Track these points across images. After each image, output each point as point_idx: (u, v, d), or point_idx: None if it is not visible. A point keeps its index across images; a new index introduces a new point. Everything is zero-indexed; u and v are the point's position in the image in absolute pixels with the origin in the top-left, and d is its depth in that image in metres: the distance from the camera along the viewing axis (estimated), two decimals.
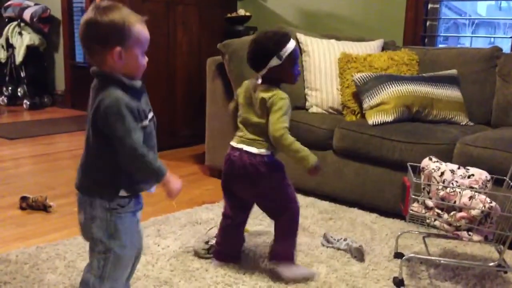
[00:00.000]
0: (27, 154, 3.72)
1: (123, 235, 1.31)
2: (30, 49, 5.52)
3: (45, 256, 1.90)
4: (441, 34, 3.57)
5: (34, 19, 5.50)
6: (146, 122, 1.28)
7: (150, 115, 1.33)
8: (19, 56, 5.52)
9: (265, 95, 1.72)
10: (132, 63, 1.27)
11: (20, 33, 5.52)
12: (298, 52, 1.77)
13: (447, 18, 4.08)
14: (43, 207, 2.45)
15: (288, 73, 1.75)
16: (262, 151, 1.75)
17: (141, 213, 1.40)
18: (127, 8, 1.28)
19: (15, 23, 5.54)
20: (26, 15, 5.50)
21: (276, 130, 1.68)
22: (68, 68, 5.75)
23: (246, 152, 1.75)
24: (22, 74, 5.59)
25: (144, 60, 1.31)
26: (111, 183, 1.30)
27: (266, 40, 1.73)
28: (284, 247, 1.84)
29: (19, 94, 5.63)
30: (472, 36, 4.44)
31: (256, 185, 1.78)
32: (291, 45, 1.73)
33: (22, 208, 2.47)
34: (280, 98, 1.71)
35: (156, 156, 1.31)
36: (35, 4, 5.62)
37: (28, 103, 5.55)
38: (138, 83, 1.30)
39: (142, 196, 1.38)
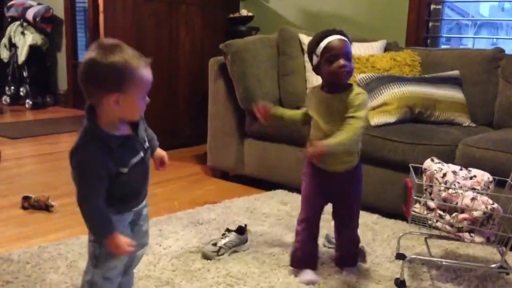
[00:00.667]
0: (30, 154, 3.73)
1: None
2: (32, 48, 5.54)
3: (47, 255, 1.91)
4: (444, 35, 3.56)
5: (37, 19, 5.52)
6: (123, 170, 1.27)
7: (135, 159, 1.30)
8: (21, 56, 5.53)
9: None
10: (130, 109, 1.25)
11: (22, 33, 5.54)
12: (337, 47, 1.63)
13: (449, 19, 4.07)
14: (45, 207, 2.46)
15: (325, 71, 1.67)
16: None
17: (140, 212, 1.43)
18: (131, 49, 1.24)
19: (18, 22, 5.55)
20: (29, 14, 5.52)
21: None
22: (70, 68, 5.76)
23: None
24: (25, 74, 5.60)
25: (144, 103, 1.28)
26: None
27: (310, 40, 1.72)
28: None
29: (21, 93, 5.64)
30: (474, 37, 4.43)
31: None
32: (327, 40, 1.65)
33: (24, 208, 2.48)
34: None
35: (122, 207, 1.33)
36: (38, 4, 5.63)
37: (31, 102, 5.56)
38: (120, 138, 1.27)
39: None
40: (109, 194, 1.28)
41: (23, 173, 3.22)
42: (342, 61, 1.61)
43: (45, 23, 5.61)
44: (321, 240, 2.12)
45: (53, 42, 5.79)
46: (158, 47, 3.69)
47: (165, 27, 3.70)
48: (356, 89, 1.69)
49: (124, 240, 1.28)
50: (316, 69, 1.71)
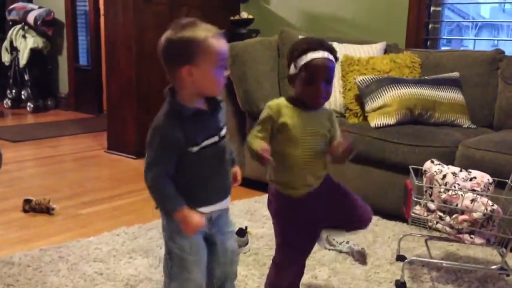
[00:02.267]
0: (31, 157, 3.74)
1: (178, 238, 1.31)
2: (34, 52, 5.55)
3: (48, 258, 1.91)
4: (444, 37, 3.57)
5: (38, 22, 5.53)
6: (193, 148, 1.25)
7: (208, 141, 1.28)
8: (23, 59, 5.55)
9: None
10: (204, 80, 1.25)
11: (24, 36, 5.55)
12: (321, 68, 1.38)
13: (449, 21, 4.08)
14: (46, 210, 2.46)
15: (300, 89, 1.41)
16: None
17: (218, 223, 1.38)
18: (204, 24, 1.26)
19: (19, 26, 5.57)
20: (30, 18, 5.53)
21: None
22: (71, 71, 5.77)
23: None
24: (26, 77, 5.62)
25: (221, 75, 1.27)
26: None
27: (293, 45, 1.45)
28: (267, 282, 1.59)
29: (23, 97, 5.66)
30: (475, 39, 4.43)
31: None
32: (311, 55, 1.38)
33: (25, 211, 2.49)
34: (266, 106, 1.45)
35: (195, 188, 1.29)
36: (39, 7, 5.65)
37: (32, 105, 5.58)
38: (192, 109, 1.26)
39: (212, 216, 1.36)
40: (180, 180, 1.26)
41: (24, 176, 3.23)
42: (321, 87, 1.38)
43: (46, 26, 5.63)
44: (322, 243, 2.12)
45: (54, 45, 5.80)
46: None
47: (166, 29, 3.71)
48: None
49: (196, 216, 1.25)
50: (291, 81, 1.45)
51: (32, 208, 2.48)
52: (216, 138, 1.31)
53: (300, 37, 3.02)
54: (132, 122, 3.68)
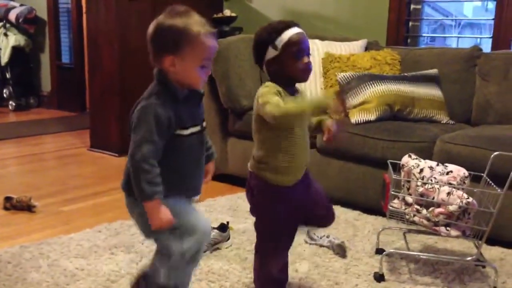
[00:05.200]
0: (13, 155, 3.71)
1: (174, 216, 1.27)
2: (15, 50, 5.51)
3: (29, 255, 1.91)
4: (423, 35, 3.63)
5: (20, 20, 5.49)
6: (183, 131, 1.26)
7: (193, 129, 1.29)
8: (4, 57, 5.50)
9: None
10: (185, 74, 1.25)
11: (5, 34, 5.50)
12: (303, 42, 1.43)
13: (429, 19, 4.14)
14: (28, 207, 2.45)
15: (290, 67, 1.41)
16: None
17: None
18: (198, 17, 1.25)
19: (0, 24, 5.51)
20: (12, 16, 5.48)
21: (271, 111, 1.33)
22: (54, 69, 5.73)
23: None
24: (8, 75, 5.57)
25: (202, 73, 1.26)
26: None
27: (261, 30, 1.46)
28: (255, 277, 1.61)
29: (4, 95, 5.61)
30: (457, 36, 4.50)
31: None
32: (290, 32, 1.41)
33: (6, 209, 2.47)
34: (264, 86, 1.42)
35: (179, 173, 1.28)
36: (21, 5, 5.60)
37: (14, 104, 5.53)
38: (185, 92, 1.27)
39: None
40: (165, 166, 1.24)
41: (5, 174, 3.21)
42: (306, 58, 1.42)
43: (28, 24, 5.58)
44: (302, 237, 2.15)
45: (36, 43, 5.75)
46: (143, 47, 3.68)
47: (149, 25, 3.70)
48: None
49: (167, 212, 1.23)
50: (269, 64, 1.43)
51: (13, 205, 2.46)
52: (199, 128, 1.32)
53: None
54: (115, 120, 3.67)
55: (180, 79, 1.26)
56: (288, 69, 1.42)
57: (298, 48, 1.41)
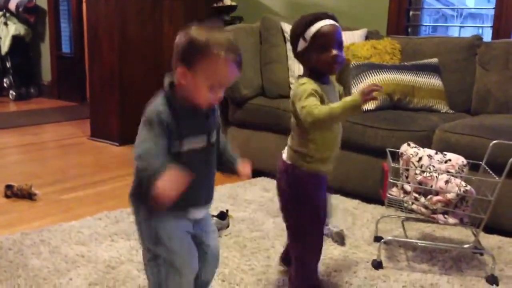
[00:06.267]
0: (13, 144, 3.72)
1: (166, 241, 1.24)
2: (16, 39, 5.50)
3: (30, 242, 1.92)
4: (424, 24, 3.61)
5: (20, 9, 5.47)
6: (182, 148, 1.20)
7: (198, 143, 1.23)
8: (4, 47, 5.49)
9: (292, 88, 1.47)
10: (193, 90, 1.19)
11: (5, 23, 5.49)
12: (333, 34, 1.42)
13: (430, 8, 4.12)
14: (28, 195, 2.46)
15: (315, 59, 1.41)
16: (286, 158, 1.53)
17: (202, 227, 1.35)
18: (228, 40, 1.17)
19: (0, 13, 5.50)
20: (12, 5, 5.47)
21: (306, 117, 1.35)
22: (54, 59, 5.72)
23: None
24: (8, 65, 5.56)
25: (213, 95, 1.19)
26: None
27: (295, 23, 1.48)
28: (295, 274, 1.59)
29: (5, 84, 5.60)
30: (460, 26, 4.48)
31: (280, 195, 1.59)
32: (320, 24, 1.41)
33: (7, 196, 2.48)
34: (299, 84, 1.42)
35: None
36: None
37: (14, 93, 5.53)
38: (186, 107, 1.21)
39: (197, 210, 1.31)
40: None
41: (6, 163, 3.22)
42: (334, 51, 1.41)
43: (28, 13, 5.57)
44: None
45: (36, 33, 5.74)
46: (142, 38, 3.69)
47: (149, 21, 3.70)
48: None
49: (174, 182, 1.11)
50: (301, 56, 1.47)
51: (14, 193, 2.47)
52: (205, 141, 1.26)
53: (282, 23, 3.05)
54: (115, 109, 3.67)
55: (187, 95, 1.20)
56: (314, 61, 1.43)
57: (325, 40, 1.41)
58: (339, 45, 1.43)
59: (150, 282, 1.31)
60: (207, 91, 1.18)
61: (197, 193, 1.26)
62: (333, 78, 1.57)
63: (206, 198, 1.33)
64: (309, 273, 1.56)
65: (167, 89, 1.22)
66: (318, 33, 1.41)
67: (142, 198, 1.24)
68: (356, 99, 1.30)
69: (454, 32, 5.20)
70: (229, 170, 1.39)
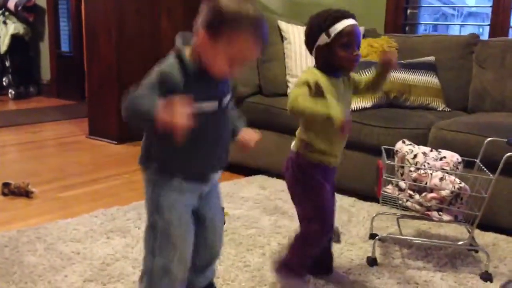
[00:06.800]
0: (12, 142, 3.73)
1: (166, 211, 1.23)
2: (15, 38, 5.51)
3: (26, 239, 1.93)
4: (422, 22, 3.61)
5: (19, 8, 5.48)
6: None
7: (209, 104, 1.18)
8: (3, 46, 5.50)
9: None
10: (210, 58, 1.14)
11: (4, 22, 5.50)
12: (356, 34, 1.47)
13: (427, 6, 4.12)
14: (25, 193, 2.47)
15: (338, 56, 1.46)
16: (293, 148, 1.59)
17: (206, 197, 1.32)
18: (262, 19, 1.13)
19: None
20: (11, 4, 5.48)
21: (289, 102, 1.39)
22: (53, 57, 5.73)
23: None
24: (7, 64, 5.57)
25: (228, 67, 1.14)
26: (157, 155, 1.24)
27: (318, 16, 1.50)
28: (289, 256, 1.63)
29: (4, 83, 5.62)
30: (461, 25, 4.49)
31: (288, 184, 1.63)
32: (345, 22, 1.46)
33: (4, 194, 2.49)
34: (304, 72, 1.48)
35: None
36: None
37: (14, 92, 5.54)
38: (197, 70, 1.16)
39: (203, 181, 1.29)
40: (170, 144, 1.11)
41: (5, 161, 3.22)
42: (356, 51, 1.47)
43: (27, 12, 5.58)
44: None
45: (35, 32, 5.75)
46: (140, 36, 3.70)
47: (147, 14, 3.71)
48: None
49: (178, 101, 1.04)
50: (320, 50, 1.49)
51: (11, 191, 2.48)
52: (216, 105, 1.21)
53: (279, 21, 3.05)
54: (114, 108, 3.68)
55: (205, 60, 1.15)
56: (337, 58, 1.47)
57: (349, 39, 1.46)
58: (359, 46, 1.50)
59: (145, 249, 1.29)
60: (225, 64, 1.14)
61: (205, 165, 1.24)
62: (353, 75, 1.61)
63: (219, 162, 1.29)
64: (308, 253, 1.59)
65: (180, 49, 1.17)
66: (343, 31, 1.45)
67: (149, 160, 1.23)
68: (336, 117, 1.31)
69: (455, 31, 5.20)
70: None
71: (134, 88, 1.14)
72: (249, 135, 1.36)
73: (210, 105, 1.19)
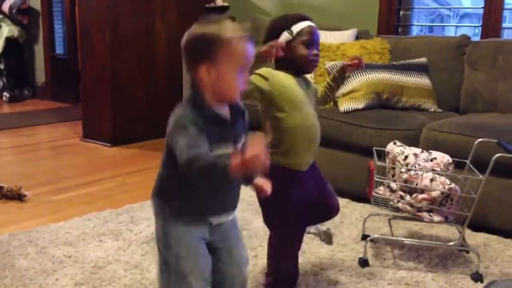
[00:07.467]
0: (6, 145, 3.73)
1: (174, 245, 1.22)
2: (9, 41, 5.50)
3: (18, 243, 1.93)
4: (414, 24, 3.63)
5: (13, 11, 5.48)
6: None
7: (223, 150, 1.16)
8: None
9: None
10: (222, 82, 1.15)
11: None
12: (315, 34, 1.53)
13: (420, 8, 4.13)
14: (18, 197, 2.47)
15: (300, 54, 1.50)
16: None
17: (222, 230, 1.28)
18: (231, 23, 1.17)
19: None
20: (5, 6, 5.47)
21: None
22: (48, 60, 5.72)
23: None
24: (2, 66, 5.56)
25: (241, 80, 1.16)
26: (165, 191, 1.24)
27: (279, 17, 1.57)
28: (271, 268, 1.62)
29: None
30: (456, 26, 4.50)
31: None
32: (306, 23, 1.52)
33: None
34: (252, 74, 1.46)
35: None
36: None
37: (8, 95, 5.53)
38: (213, 113, 1.16)
39: (211, 223, 1.25)
40: (182, 190, 1.16)
41: None
42: (316, 51, 1.52)
43: (21, 15, 5.57)
44: None
45: (30, 34, 5.74)
46: (135, 37, 3.70)
47: (141, 16, 3.71)
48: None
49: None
50: (282, 49, 1.49)
51: (4, 194, 2.48)
52: (230, 148, 1.19)
53: None
54: (108, 110, 3.67)
55: (217, 90, 1.16)
56: (298, 56, 1.50)
57: (310, 38, 1.51)
58: (317, 47, 1.55)
59: (160, 285, 1.28)
60: (237, 77, 1.15)
61: (217, 204, 1.24)
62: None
63: (229, 205, 1.28)
64: (284, 261, 1.58)
65: (191, 95, 1.18)
66: (304, 30, 1.51)
67: (164, 197, 1.23)
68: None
69: (451, 32, 5.20)
70: None
71: (181, 155, 1.11)
72: (262, 183, 1.30)
73: (226, 150, 1.18)
